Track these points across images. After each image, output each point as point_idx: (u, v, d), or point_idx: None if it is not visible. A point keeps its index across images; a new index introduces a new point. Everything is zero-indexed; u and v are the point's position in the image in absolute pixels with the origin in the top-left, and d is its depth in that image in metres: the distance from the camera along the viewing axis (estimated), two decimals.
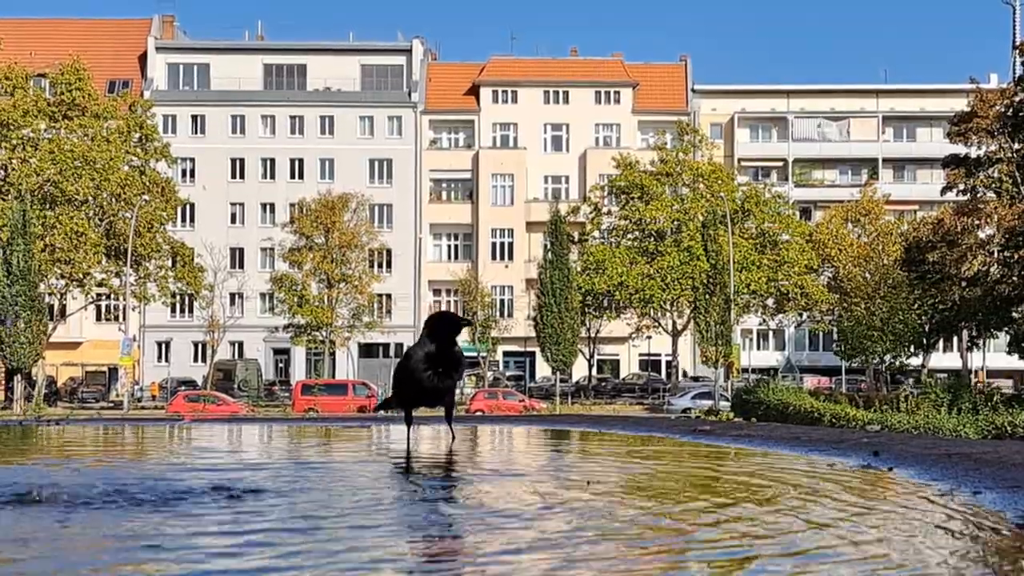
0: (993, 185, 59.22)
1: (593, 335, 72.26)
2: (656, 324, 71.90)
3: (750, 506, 3.93)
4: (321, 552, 2.97)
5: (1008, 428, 27.10)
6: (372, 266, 74.62)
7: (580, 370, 74.71)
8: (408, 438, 6.22)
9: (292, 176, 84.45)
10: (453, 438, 6.44)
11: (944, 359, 74.59)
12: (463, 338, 74.17)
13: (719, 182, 71.87)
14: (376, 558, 2.93)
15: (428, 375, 5.86)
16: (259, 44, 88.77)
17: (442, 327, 5.96)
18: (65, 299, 65.63)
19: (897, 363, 66.48)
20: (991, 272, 58.22)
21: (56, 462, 6.02)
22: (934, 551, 3.02)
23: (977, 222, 57.70)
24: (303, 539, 3.16)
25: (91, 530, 3.31)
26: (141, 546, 3.07)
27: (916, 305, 63.48)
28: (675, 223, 71.19)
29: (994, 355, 72.51)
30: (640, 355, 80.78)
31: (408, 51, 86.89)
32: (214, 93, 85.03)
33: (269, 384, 75.94)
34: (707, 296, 63.66)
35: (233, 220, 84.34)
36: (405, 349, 6.62)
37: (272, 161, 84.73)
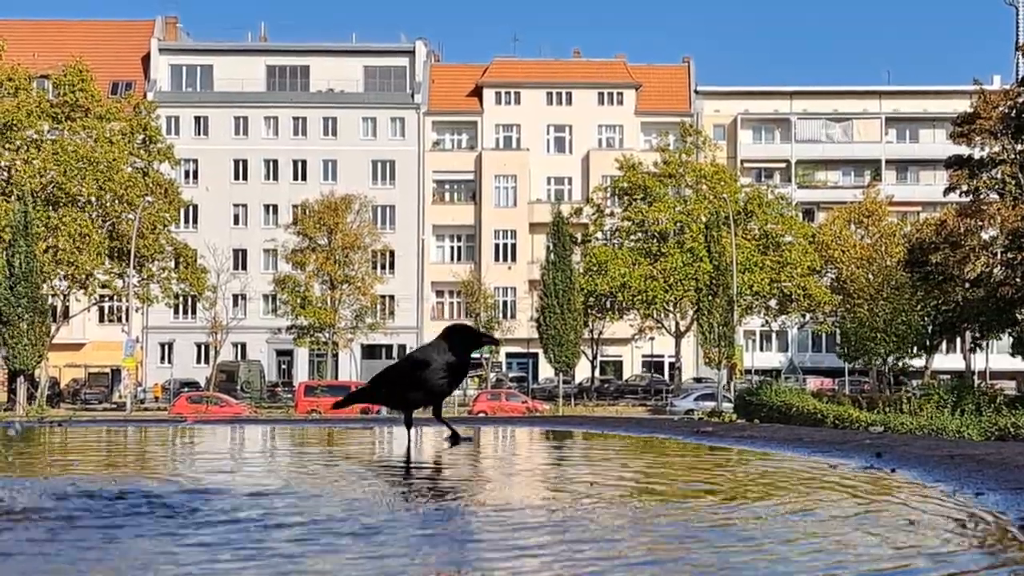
0: (996, 186, 59.17)
1: (596, 336, 72.26)
2: (659, 325, 71.89)
3: (749, 505, 3.93)
4: (331, 552, 2.97)
5: (1011, 430, 27.09)
6: (375, 267, 74.64)
7: (583, 371, 74.72)
8: (409, 439, 6.25)
9: (295, 177, 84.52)
10: (451, 434, 6.45)
11: (947, 360, 74.55)
12: None
13: (722, 183, 71.89)
14: (386, 564, 2.93)
15: (443, 383, 5.92)
16: (262, 45, 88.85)
17: (464, 341, 5.97)
18: (68, 300, 65.70)
19: (900, 364, 66.43)
20: (994, 273, 58.18)
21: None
22: (934, 550, 3.02)
23: (980, 223, 57.66)
24: (310, 541, 3.16)
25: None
26: None
27: (919, 306, 63.45)
28: (678, 224, 71.20)
29: (997, 357, 72.48)
30: (643, 356, 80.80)
31: (411, 52, 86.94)
32: (217, 94, 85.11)
33: (272, 385, 75.97)
34: (710, 297, 63.68)
35: (236, 221, 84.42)
36: (414, 349, 6.64)
37: (275, 162, 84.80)
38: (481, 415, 45.79)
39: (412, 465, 5.74)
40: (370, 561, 2.88)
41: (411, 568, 2.81)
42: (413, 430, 6.25)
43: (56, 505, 3.69)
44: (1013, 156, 57.28)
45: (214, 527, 3.33)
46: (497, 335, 73.30)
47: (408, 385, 6.00)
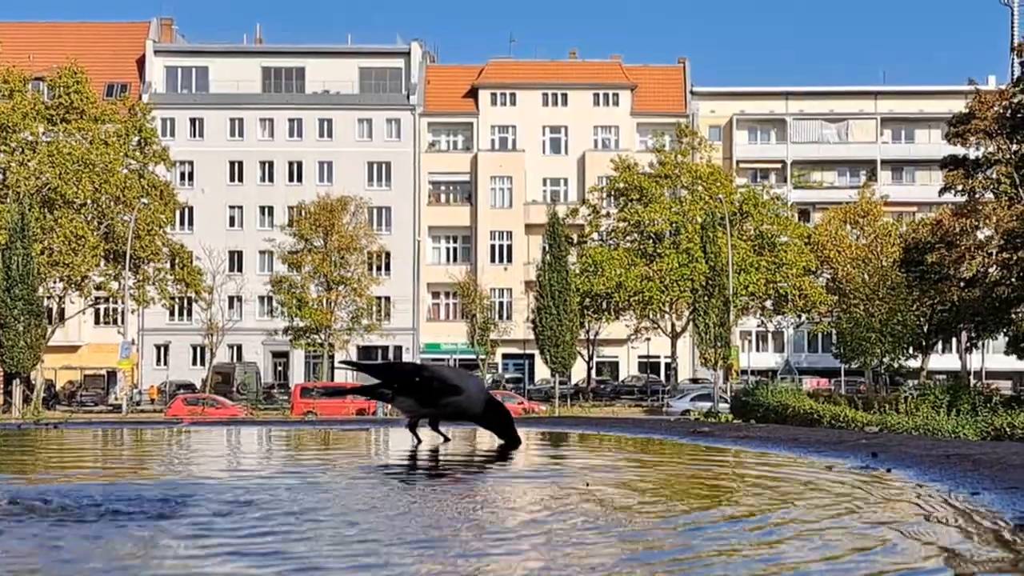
0: (991, 186, 59.26)
1: (592, 337, 72.25)
2: (655, 326, 71.91)
3: (731, 503, 3.94)
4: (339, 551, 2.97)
5: (1007, 429, 27.11)
6: (371, 269, 74.66)
7: (579, 372, 74.70)
8: (415, 439, 6.33)
9: (291, 179, 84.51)
10: (446, 439, 6.51)
11: (943, 360, 74.63)
12: (462, 340, 74.36)
13: (718, 184, 71.94)
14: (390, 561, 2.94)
15: (457, 412, 6.21)
16: (257, 47, 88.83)
17: (495, 419, 6.28)
18: (64, 302, 65.66)
19: (896, 365, 66.46)
20: (990, 273, 58.24)
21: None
22: (931, 548, 3.03)
23: (975, 223, 57.71)
24: (315, 533, 3.16)
25: None
26: None
27: (915, 306, 63.48)
28: (674, 225, 71.24)
29: (992, 356, 72.54)
30: (639, 357, 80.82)
31: (407, 54, 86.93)
32: (212, 96, 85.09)
33: (268, 387, 75.97)
34: (706, 298, 63.66)
35: (232, 223, 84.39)
36: (446, 368, 6.91)
37: (271, 164, 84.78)
38: None
39: (418, 465, 5.77)
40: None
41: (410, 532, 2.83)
42: (418, 432, 6.38)
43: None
44: (1008, 156, 57.32)
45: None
46: (493, 337, 73.48)
47: (428, 401, 6.17)
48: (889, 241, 69.06)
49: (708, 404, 56.31)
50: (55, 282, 63.46)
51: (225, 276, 74.46)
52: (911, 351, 66.75)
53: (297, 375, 79.09)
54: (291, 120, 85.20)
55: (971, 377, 66.88)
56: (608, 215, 73.54)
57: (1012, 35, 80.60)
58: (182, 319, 79.71)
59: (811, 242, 71.90)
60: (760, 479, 4.98)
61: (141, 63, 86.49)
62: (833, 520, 3.58)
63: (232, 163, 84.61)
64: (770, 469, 5.42)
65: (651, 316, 70.99)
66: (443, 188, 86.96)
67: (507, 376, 78.55)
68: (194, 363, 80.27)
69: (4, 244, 56.70)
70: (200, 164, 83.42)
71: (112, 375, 70.18)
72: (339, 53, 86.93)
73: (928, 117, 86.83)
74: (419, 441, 6.36)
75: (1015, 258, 55.53)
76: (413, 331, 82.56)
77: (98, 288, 65.09)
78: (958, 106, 63.75)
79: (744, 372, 68.74)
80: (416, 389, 6.20)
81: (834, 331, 71.04)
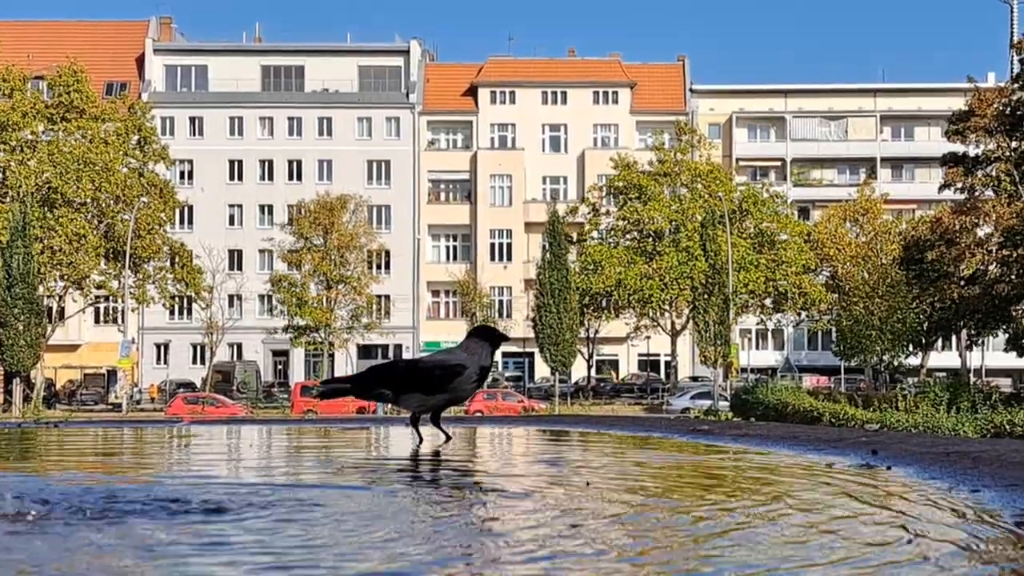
0: (991, 184, 59.25)
1: (592, 335, 72.24)
2: (655, 324, 71.90)
3: (732, 502, 3.94)
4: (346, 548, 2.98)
5: (1007, 427, 27.11)
6: (371, 267, 74.66)
7: (579, 370, 74.68)
8: (418, 438, 6.30)
9: (290, 177, 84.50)
10: (448, 438, 6.47)
11: (943, 358, 74.64)
12: (462, 338, 74.27)
13: (717, 182, 71.94)
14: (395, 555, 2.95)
15: (471, 388, 6.01)
16: (257, 46, 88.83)
17: (490, 344, 6.06)
18: (64, 301, 65.67)
19: (896, 362, 66.44)
20: (989, 271, 58.23)
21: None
22: (930, 546, 3.04)
23: (975, 221, 57.72)
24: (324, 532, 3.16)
25: None
26: None
27: (914, 304, 63.44)
28: (673, 223, 71.23)
29: (992, 354, 72.54)
30: (639, 355, 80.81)
31: (406, 52, 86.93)
32: (212, 95, 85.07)
33: (268, 386, 75.97)
34: (706, 296, 63.66)
35: (231, 222, 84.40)
36: (436, 354, 6.60)
37: (270, 163, 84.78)
38: (477, 415, 45.79)
39: (421, 463, 5.76)
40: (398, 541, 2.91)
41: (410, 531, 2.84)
42: (420, 430, 6.29)
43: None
44: (1008, 153, 57.32)
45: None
46: None
47: (435, 389, 6.00)
48: (889, 239, 69.04)
49: (708, 402, 56.30)
50: (55, 281, 63.49)
51: (225, 275, 74.46)
52: (911, 349, 66.72)
53: (297, 374, 79.09)
54: (290, 119, 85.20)
55: (971, 375, 66.88)
56: (608, 213, 73.53)
57: (1011, 32, 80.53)
58: (182, 318, 79.72)
59: (811, 240, 71.90)
60: (756, 477, 4.98)
61: (140, 62, 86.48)
62: (828, 518, 3.58)
63: (232, 162, 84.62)
64: (767, 467, 5.42)
65: (651, 314, 70.98)
66: (443, 186, 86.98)
67: (507, 374, 78.55)
68: (194, 362, 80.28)
69: (5, 243, 56.71)
70: (200, 163, 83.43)
71: (112, 374, 70.19)
72: (338, 51, 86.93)
73: (927, 114, 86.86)
74: (421, 439, 6.32)
75: (1015, 255, 55.53)
76: (413, 329, 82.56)
77: (98, 287, 65.12)
78: (957, 103, 63.75)
79: (744, 370, 68.76)
80: (419, 382, 6.05)
81: (834, 329, 71.04)
